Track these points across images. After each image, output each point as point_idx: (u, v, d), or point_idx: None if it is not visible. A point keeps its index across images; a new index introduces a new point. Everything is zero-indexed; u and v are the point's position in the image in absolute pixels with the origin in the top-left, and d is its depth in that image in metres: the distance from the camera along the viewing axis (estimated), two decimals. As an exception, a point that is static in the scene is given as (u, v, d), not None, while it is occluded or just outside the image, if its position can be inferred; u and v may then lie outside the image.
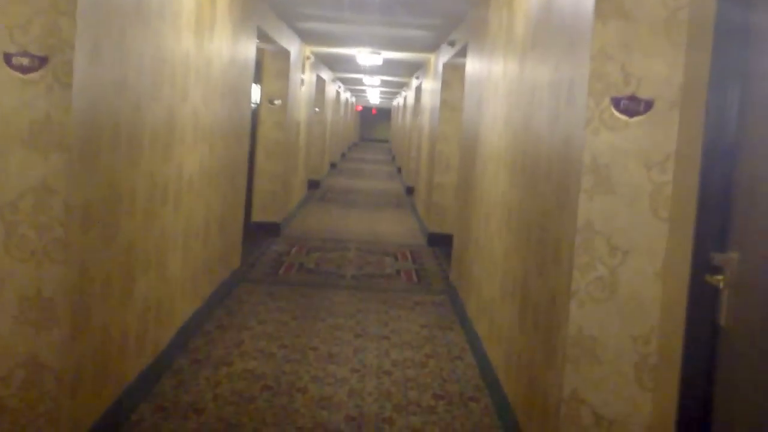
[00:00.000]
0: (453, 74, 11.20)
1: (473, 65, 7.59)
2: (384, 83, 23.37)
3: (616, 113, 3.24)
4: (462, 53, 9.43)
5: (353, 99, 39.44)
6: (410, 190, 18.49)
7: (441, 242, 11.17)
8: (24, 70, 3.25)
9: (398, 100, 31.74)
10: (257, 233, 11.03)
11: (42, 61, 3.24)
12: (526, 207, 4.42)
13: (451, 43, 9.53)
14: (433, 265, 9.85)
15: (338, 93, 26.43)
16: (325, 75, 18.60)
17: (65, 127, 3.24)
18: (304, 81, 13.37)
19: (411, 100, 20.65)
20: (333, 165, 25.85)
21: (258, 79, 10.89)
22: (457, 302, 7.40)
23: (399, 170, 25.94)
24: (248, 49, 7.71)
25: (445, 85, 11.26)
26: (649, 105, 3.24)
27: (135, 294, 4.33)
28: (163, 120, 4.60)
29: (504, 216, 5.14)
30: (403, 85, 24.11)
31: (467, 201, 7.28)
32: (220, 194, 6.71)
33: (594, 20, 3.24)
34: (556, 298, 3.54)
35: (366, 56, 13.25)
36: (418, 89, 18.51)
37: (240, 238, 8.09)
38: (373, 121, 57.01)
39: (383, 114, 53.63)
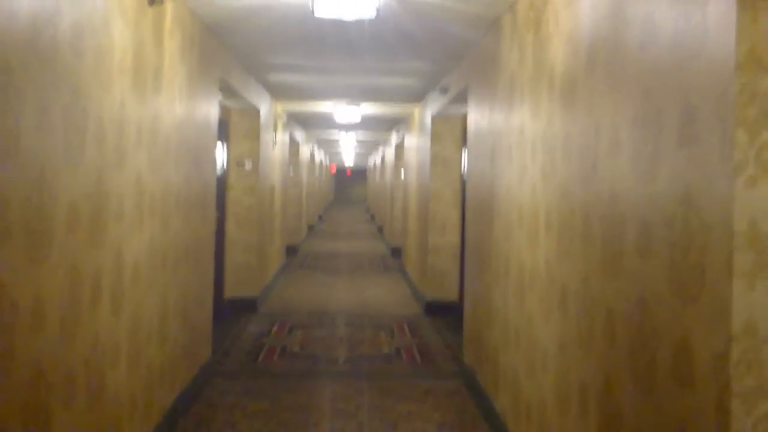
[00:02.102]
0: (444, 126, 10.08)
1: (479, 112, 6.44)
2: (361, 142, 22.30)
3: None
4: (458, 100, 8.31)
5: (327, 160, 38.37)
6: (397, 252, 17.26)
7: (440, 311, 9.91)
8: None
9: (375, 158, 30.70)
10: (231, 312, 9.70)
11: None
12: (597, 288, 3.20)
13: (443, 90, 8.42)
14: (436, 339, 8.56)
15: (313, 154, 25.33)
16: (299, 135, 17.49)
17: None
18: (276, 141, 12.21)
19: (391, 156, 19.56)
20: (311, 228, 24.60)
21: (225, 139, 9.68)
22: (476, 390, 6.12)
23: (380, 229, 24.74)
24: (209, 103, 6.52)
25: (436, 138, 10.13)
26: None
27: (53, 439, 3.03)
28: (86, 192, 3.35)
29: (553, 295, 3.92)
30: (381, 142, 23.05)
31: (483, 269, 6.05)
32: (180, 278, 5.45)
33: (737, 8, 2.07)
34: (690, 437, 2.29)
35: (343, 110, 12.13)
36: (400, 145, 17.43)
37: (209, 325, 6.79)
38: (348, 182, 55.98)
39: (358, 174, 52.63)
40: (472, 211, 6.72)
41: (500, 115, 5.48)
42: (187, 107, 5.51)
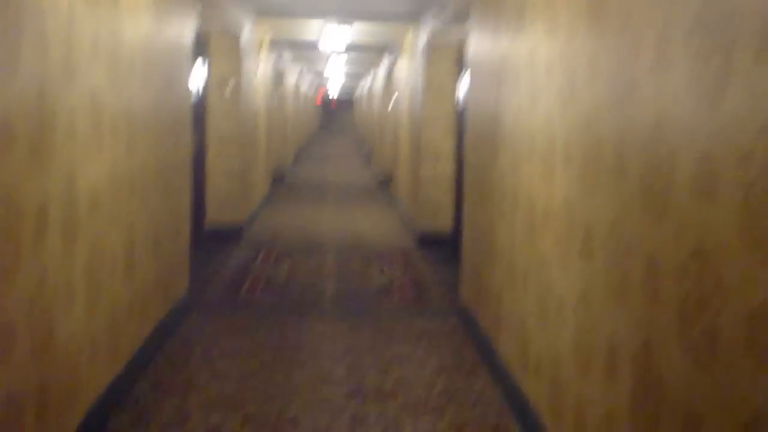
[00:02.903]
0: (440, 49, 9.46)
1: (482, 32, 5.86)
2: (351, 64, 21.52)
3: None
4: (457, 20, 7.70)
5: (315, 86, 37.45)
6: (385, 181, 16.75)
7: (434, 243, 9.47)
8: None
9: (363, 86, 29.91)
10: (215, 240, 9.23)
11: None
12: (634, 233, 2.71)
13: (441, 9, 7.78)
14: (430, 273, 8.13)
15: (299, 78, 24.54)
16: (285, 60, 16.75)
17: None
18: (260, 64, 11.54)
19: (380, 83, 18.87)
20: (297, 156, 23.99)
21: (204, 60, 9.03)
22: (474, 331, 5.70)
23: (368, 155, 24.17)
24: (183, 17, 5.89)
25: (430, 62, 9.51)
26: None
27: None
28: (24, 108, 2.80)
29: (574, 238, 3.43)
30: (370, 69, 22.30)
31: (484, 203, 5.56)
32: (150, 207, 4.93)
33: None
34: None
35: (332, 30, 11.44)
36: (390, 70, 16.75)
37: (186, 256, 6.30)
38: (335, 110, 54.91)
39: (344, 104, 51.66)
40: (472, 139, 6.20)
41: (507, 35, 4.92)
42: (155, 21, 4.91)
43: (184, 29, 5.92)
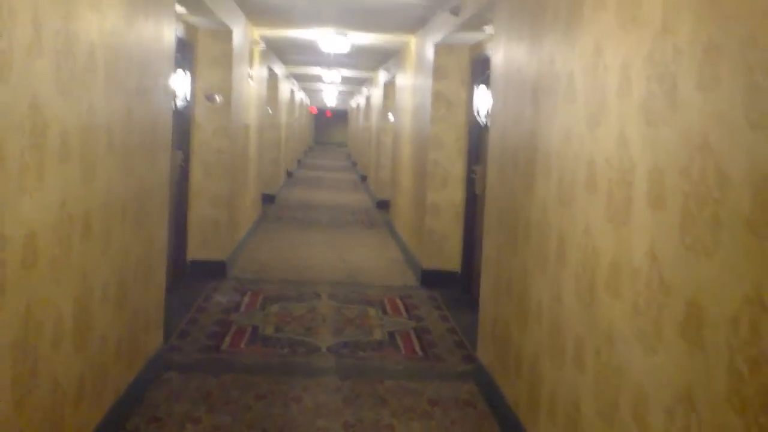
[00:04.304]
0: (450, 58, 8.50)
1: (512, 37, 4.91)
2: (345, 80, 20.60)
3: None
4: (471, 25, 6.76)
5: (308, 100, 36.54)
6: (382, 204, 15.76)
7: (439, 282, 8.46)
8: None
9: (358, 100, 28.97)
10: (196, 276, 8.20)
11: None
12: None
13: (455, 11, 6.83)
14: (437, 320, 7.12)
15: (293, 91, 23.60)
16: (278, 70, 15.80)
17: None
18: (252, 74, 10.57)
19: (378, 98, 17.92)
20: (289, 174, 22.99)
21: (190, 67, 8.04)
22: (498, 403, 4.70)
23: (363, 178, 23.18)
24: (162, 12, 4.91)
25: (439, 73, 8.55)
26: None
27: None
28: None
29: (669, 310, 2.44)
30: (364, 82, 21.37)
31: (515, 244, 4.57)
32: (114, 248, 3.94)
33: None
34: None
35: (329, 41, 10.50)
36: (390, 83, 15.81)
37: (161, 302, 5.29)
38: (329, 124, 53.94)
39: (339, 116, 50.60)
40: (496, 165, 5.22)
41: (552, 35, 3.95)
42: (124, 14, 3.93)
43: (164, 28, 4.94)
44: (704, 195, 2.28)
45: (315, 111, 46.27)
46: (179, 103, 6.31)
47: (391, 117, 15.68)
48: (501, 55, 5.21)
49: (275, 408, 4.70)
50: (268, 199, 15.25)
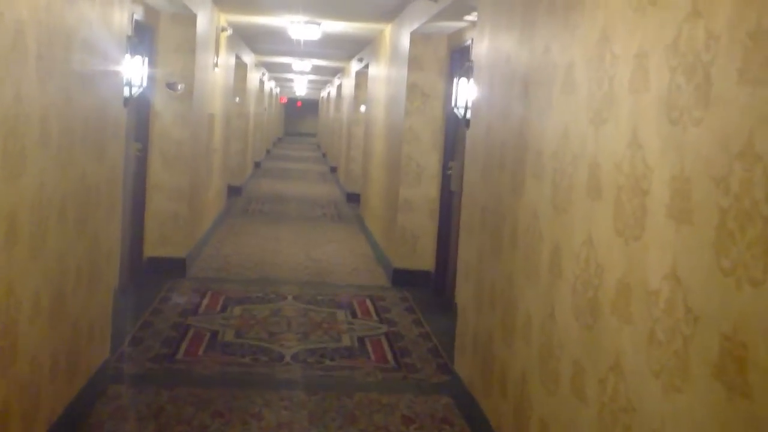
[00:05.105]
0: (426, 48, 8.08)
1: (498, 24, 4.50)
2: (316, 69, 20.07)
3: None
4: (451, 13, 6.34)
5: (278, 89, 35.89)
6: (352, 197, 15.31)
7: (411, 282, 8.06)
8: None
9: (329, 90, 28.43)
10: (153, 273, 7.71)
11: None
12: None
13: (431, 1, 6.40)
14: (410, 324, 6.70)
15: (262, 81, 23.03)
16: (247, 58, 15.26)
17: None
18: (218, 62, 10.05)
19: (349, 88, 17.45)
20: (257, 165, 22.43)
21: (150, 52, 7.51)
22: (479, 422, 4.30)
23: (333, 169, 22.70)
24: (110, -11, 4.42)
25: (415, 63, 8.12)
26: None
27: None
28: None
29: (697, 345, 2.04)
30: (337, 72, 20.87)
31: (499, 250, 4.17)
32: (49, 253, 3.46)
33: None
34: None
35: (299, 29, 10.02)
36: (362, 73, 15.35)
37: (108, 309, 4.81)
38: (299, 115, 53.19)
39: (309, 106, 49.89)
40: (479, 162, 4.80)
41: (547, 23, 3.54)
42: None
43: (114, 8, 4.45)
44: (749, 211, 1.88)
45: (285, 101, 45.63)
46: (135, 90, 5.80)
47: (362, 108, 15.23)
48: (486, 44, 4.80)
49: (233, 427, 4.26)
50: (234, 191, 14.74)
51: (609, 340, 2.67)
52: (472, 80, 5.49)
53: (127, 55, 5.27)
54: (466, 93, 5.91)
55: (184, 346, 5.66)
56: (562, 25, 3.35)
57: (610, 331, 2.66)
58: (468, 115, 5.93)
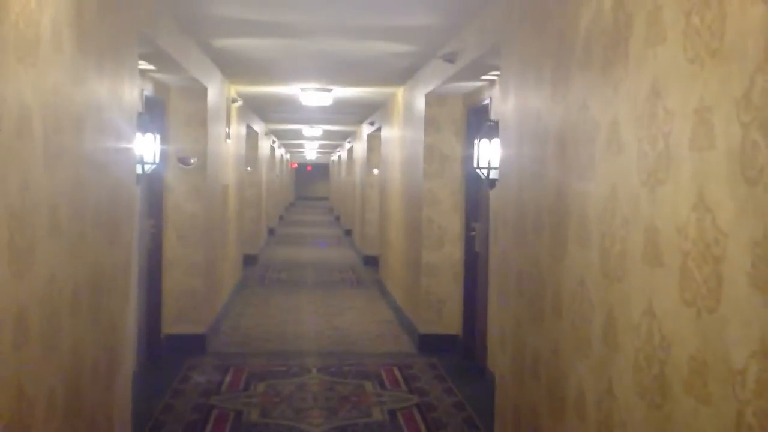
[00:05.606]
0: (443, 109, 7.94)
1: (526, 81, 4.31)
2: (326, 134, 20.05)
3: None
4: (467, 73, 6.19)
5: (288, 155, 36.00)
6: (369, 260, 15.07)
7: (439, 348, 7.78)
8: None
9: (340, 153, 28.43)
10: (172, 352, 7.45)
11: None
12: None
13: (449, 59, 6.26)
14: (441, 393, 6.39)
15: (273, 148, 23.02)
16: (258, 127, 15.21)
17: None
18: (230, 133, 9.94)
19: (361, 151, 17.36)
20: (271, 231, 22.28)
21: (161, 127, 7.39)
22: None
23: (348, 233, 22.51)
24: (121, 65, 4.27)
25: (431, 124, 7.97)
26: None
27: None
28: None
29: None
30: (347, 135, 20.84)
31: (540, 315, 3.91)
32: (59, 348, 3.21)
33: None
34: None
35: (311, 95, 9.93)
36: (373, 136, 15.27)
37: (127, 400, 4.55)
38: (310, 179, 53.29)
39: (319, 170, 50.02)
40: (507, 224, 4.57)
41: (583, 79, 3.34)
42: (70, 69, 3.28)
43: (125, 87, 4.30)
44: None
45: (295, 166, 45.79)
46: (148, 167, 5.64)
47: (375, 171, 15.10)
48: (511, 102, 4.61)
49: None
50: (249, 260, 14.52)
51: (685, 424, 2.39)
52: (495, 139, 5.30)
53: (139, 133, 5.11)
54: (489, 153, 5.72)
55: (208, 429, 5.38)
56: (600, 81, 3.14)
57: (685, 412, 2.39)
58: (492, 175, 5.73)
